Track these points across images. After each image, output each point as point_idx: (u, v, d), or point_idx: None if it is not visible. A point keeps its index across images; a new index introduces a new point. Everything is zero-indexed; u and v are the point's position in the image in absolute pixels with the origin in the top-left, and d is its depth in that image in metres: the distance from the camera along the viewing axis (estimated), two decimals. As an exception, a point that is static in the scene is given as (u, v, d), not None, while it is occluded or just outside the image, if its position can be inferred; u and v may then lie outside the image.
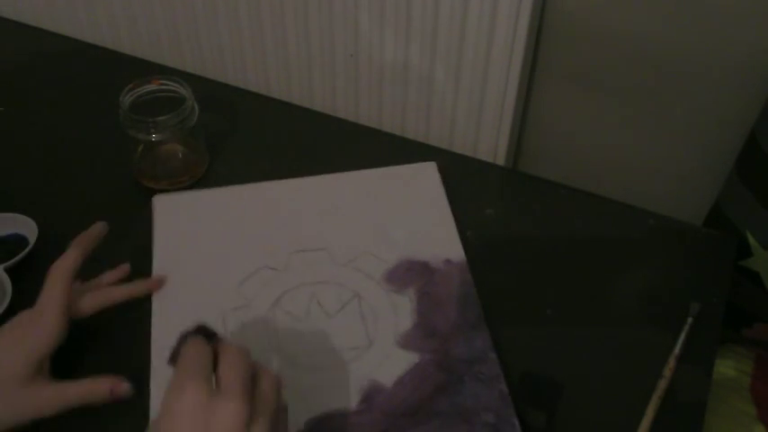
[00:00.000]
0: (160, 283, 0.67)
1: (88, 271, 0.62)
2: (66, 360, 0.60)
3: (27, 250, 0.69)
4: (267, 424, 0.45)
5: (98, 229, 0.63)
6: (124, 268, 0.66)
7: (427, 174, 0.78)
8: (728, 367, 0.77)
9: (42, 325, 0.56)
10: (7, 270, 0.67)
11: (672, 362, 0.63)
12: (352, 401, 0.59)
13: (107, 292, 0.63)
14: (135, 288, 0.65)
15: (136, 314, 0.64)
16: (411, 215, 0.74)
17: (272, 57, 0.88)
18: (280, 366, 0.61)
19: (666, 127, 0.79)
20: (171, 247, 0.70)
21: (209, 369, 0.47)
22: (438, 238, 0.71)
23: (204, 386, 0.45)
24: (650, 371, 0.62)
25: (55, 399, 0.55)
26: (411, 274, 0.68)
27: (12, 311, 0.61)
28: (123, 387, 0.57)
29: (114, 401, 0.56)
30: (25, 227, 0.71)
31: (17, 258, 0.68)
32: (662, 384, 0.61)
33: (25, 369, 0.54)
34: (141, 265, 0.68)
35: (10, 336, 0.56)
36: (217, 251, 0.70)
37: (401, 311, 0.65)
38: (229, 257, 0.69)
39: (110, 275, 0.66)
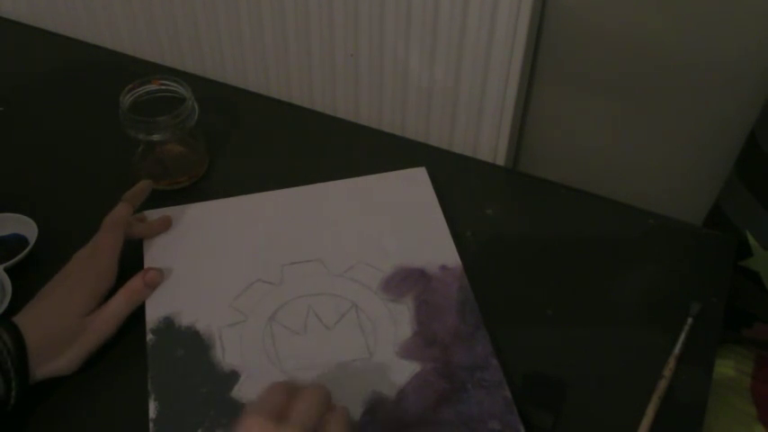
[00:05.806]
0: (168, 223, 0.72)
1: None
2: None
3: (27, 250, 0.69)
4: None
5: (144, 185, 0.72)
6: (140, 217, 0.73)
7: (418, 179, 0.77)
8: (728, 367, 0.77)
9: (102, 268, 0.64)
10: (7, 270, 0.67)
11: (672, 362, 0.63)
12: (356, 414, 0.58)
13: (128, 226, 0.69)
14: (151, 227, 0.71)
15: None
16: (404, 222, 0.73)
17: (271, 57, 0.88)
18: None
19: (667, 127, 0.79)
20: (160, 263, 0.68)
21: (279, 407, 0.48)
22: (432, 244, 0.71)
23: (269, 420, 0.47)
24: (650, 371, 0.62)
25: (109, 318, 0.63)
26: (408, 282, 0.68)
27: (12, 311, 0.61)
28: (152, 273, 0.66)
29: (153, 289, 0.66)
30: (25, 227, 0.71)
31: (17, 258, 0.68)
32: (662, 384, 0.61)
33: (89, 305, 0.62)
34: (140, 265, 0.69)
35: (75, 278, 0.63)
36: (208, 266, 0.69)
37: (400, 320, 0.65)
38: (222, 272, 0.68)
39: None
